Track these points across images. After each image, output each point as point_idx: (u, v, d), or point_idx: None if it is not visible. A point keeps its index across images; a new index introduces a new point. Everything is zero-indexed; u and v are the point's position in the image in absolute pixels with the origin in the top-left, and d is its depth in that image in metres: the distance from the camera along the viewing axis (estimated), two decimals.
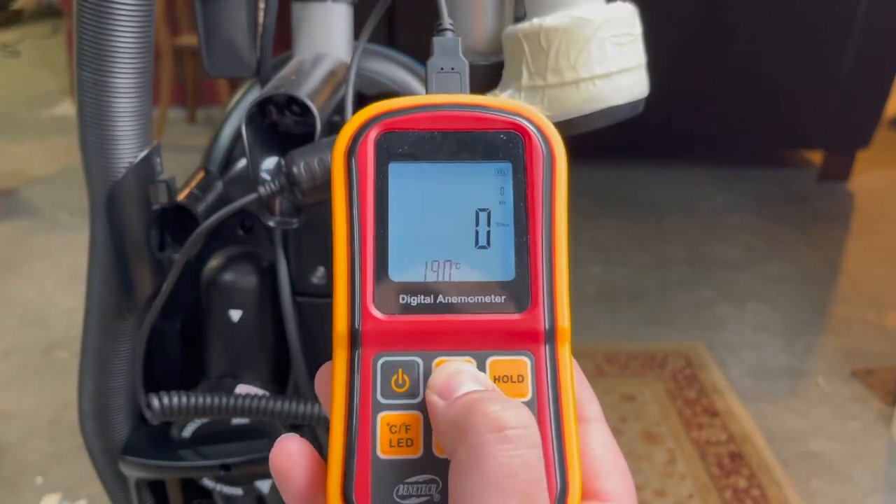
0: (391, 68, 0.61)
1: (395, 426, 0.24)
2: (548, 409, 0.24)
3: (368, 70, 0.60)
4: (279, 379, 0.61)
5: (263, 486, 0.59)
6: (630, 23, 0.40)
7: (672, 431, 1.54)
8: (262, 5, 0.51)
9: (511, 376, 0.25)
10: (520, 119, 0.26)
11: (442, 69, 0.29)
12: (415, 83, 0.61)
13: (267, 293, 0.58)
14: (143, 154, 0.46)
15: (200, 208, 0.53)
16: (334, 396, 0.25)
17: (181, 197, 0.52)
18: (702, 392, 1.66)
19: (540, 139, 0.26)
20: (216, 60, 0.51)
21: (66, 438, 1.46)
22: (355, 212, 0.25)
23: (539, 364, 0.25)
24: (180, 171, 0.55)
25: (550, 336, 0.25)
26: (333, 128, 0.52)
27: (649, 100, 0.43)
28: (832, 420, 1.58)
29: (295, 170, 0.41)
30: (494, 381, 0.24)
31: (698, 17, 2.61)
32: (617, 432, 1.51)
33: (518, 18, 0.43)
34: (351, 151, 0.25)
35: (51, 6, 5.22)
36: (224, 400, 0.51)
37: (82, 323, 0.52)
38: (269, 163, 0.46)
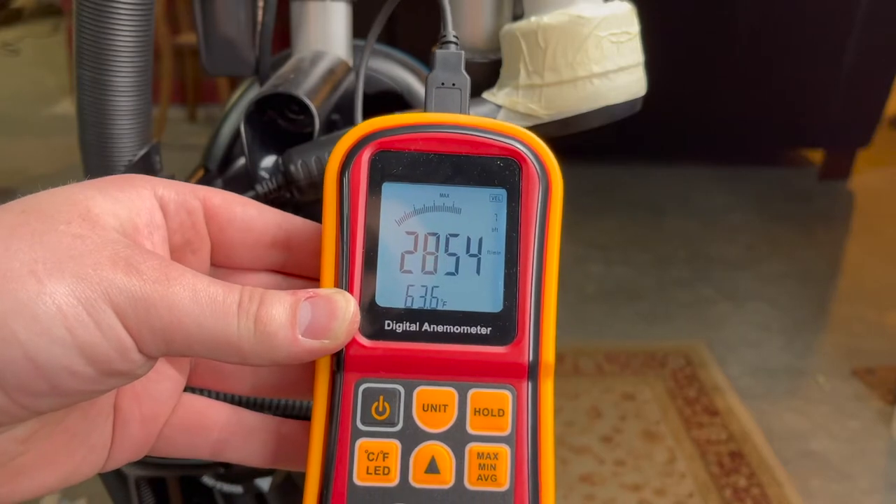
0: (391, 66, 0.61)
1: (373, 454, 0.24)
2: (526, 446, 0.24)
3: (368, 68, 0.60)
4: None
5: (263, 483, 0.59)
6: (628, 21, 0.40)
7: (672, 430, 1.54)
8: (260, 3, 0.51)
9: (491, 409, 0.24)
10: (518, 145, 0.25)
11: (443, 84, 0.28)
12: (415, 82, 0.61)
13: None
14: (142, 152, 0.46)
15: None
16: (314, 420, 0.24)
17: None
18: (702, 391, 1.66)
19: (537, 167, 0.25)
20: (215, 58, 0.51)
21: None
22: (345, 233, 0.24)
23: (521, 399, 0.24)
24: (181, 170, 0.55)
25: (534, 371, 0.24)
26: (332, 126, 0.52)
27: (650, 99, 0.43)
28: (832, 419, 1.58)
29: (292, 168, 0.41)
30: (474, 413, 0.24)
31: (698, 16, 2.61)
32: (617, 431, 1.52)
33: (516, 16, 0.43)
34: (344, 169, 0.25)
35: (51, 5, 5.22)
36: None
37: None
38: (268, 161, 0.46)
